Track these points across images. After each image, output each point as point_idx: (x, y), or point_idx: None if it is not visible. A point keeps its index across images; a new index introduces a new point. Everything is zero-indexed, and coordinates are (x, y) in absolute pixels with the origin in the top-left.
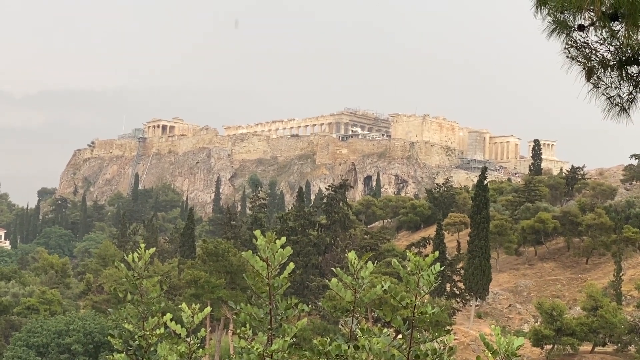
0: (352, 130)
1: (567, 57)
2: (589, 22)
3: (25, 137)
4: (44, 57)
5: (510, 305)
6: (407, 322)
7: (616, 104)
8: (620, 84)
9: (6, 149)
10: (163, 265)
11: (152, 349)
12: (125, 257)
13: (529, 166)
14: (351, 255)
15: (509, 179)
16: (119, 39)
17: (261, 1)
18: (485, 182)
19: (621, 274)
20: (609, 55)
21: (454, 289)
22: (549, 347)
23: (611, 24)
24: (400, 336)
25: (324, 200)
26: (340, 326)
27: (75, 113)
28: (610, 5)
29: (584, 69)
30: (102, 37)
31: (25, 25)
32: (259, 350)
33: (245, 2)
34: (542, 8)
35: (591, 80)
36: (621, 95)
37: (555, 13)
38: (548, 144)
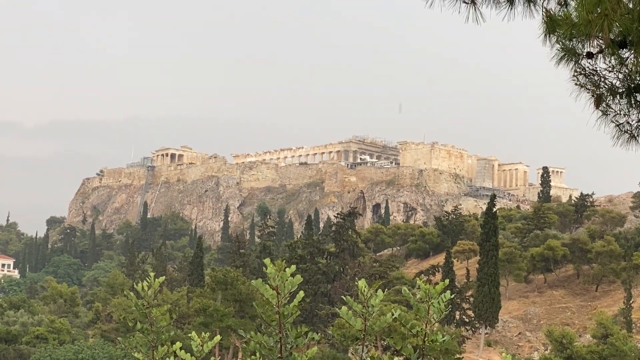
0: (360, 158)
1: (576, 84)
2: (598, 49)
3: (35, 166)
4: (56, 88)
5: (519, 333)
6: (417, 350)
7: (625, 131)
8: (629, 111)
9: (16, 179)
10: (172, 293)
11: None
12: (135, 286)
13: (538, 193)
14: (361, 283)
15: (518, 207)
16: (128, 68)
17: (269, 30)
18: (494, 209)
19: (631, 302)
20: (618, 82)
21: (464, 316)
22: None
23: (620, 52)
24: None
25: (333, 228)
26: (350, 354)
27: (85, 142)
28: (619, 33)
29: (592, 96)
30: (112, 67)
31: (37, 56)
32: None
33: (252, 31)
34: (551, 35)
35: (600, 108)
36: (630, 122)
37: (563, 40)
38: (557, 171)
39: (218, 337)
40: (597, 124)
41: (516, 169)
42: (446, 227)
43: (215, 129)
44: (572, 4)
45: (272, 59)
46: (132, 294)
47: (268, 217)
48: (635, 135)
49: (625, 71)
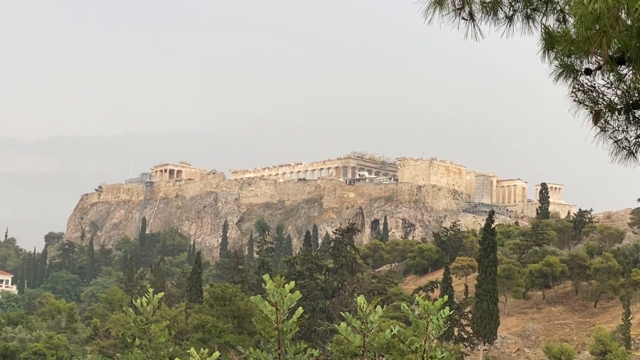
0: (359, 174)
1: (574, 100)
2: (596, 66)
3: (34, 182)
4: (55, 104)
5: (518, 350)
6: None
7: (623, 148)
8: (627, 128)
9: (15, 195)
10: (170, 309)
11: None
12: (133, 302)
13: (536, 210)
14: (360, 299)
15: (517, 223)
16: (127, 84)
17: (267, 46)
18: (493, 225)
19: (630, 318)
20: (616, 98)
21: (462, 333)
22: None
23: (618, 68)
24: None
25: (332, 244)
26: None
27: (83, 158)
28: (617, 49)
29: (591, 112)
30: (111, 83)
31: (36, 72)
32: None
33: (249, 47)
34: (550, 52)
35: (598, 124)
36: (628, 138)
37: (562, 57)
38: (555, 188)
39: (217, 354)
40: (595, 140)
41: (515, 185)
42: (445, 243)
43: (213, 145)
44: (571, 20)
45: (271, 74)
46: (130, 309)
47: (267, 233)
48: (634, 151)
49: (623, 87)
